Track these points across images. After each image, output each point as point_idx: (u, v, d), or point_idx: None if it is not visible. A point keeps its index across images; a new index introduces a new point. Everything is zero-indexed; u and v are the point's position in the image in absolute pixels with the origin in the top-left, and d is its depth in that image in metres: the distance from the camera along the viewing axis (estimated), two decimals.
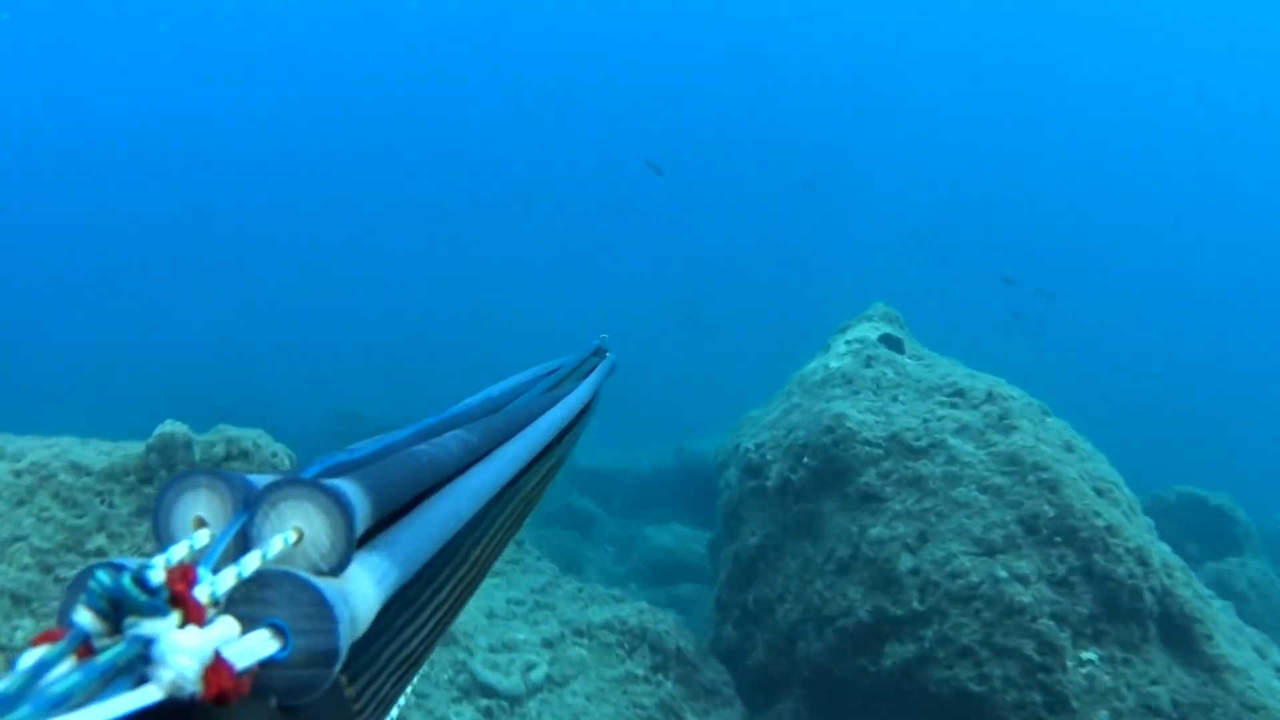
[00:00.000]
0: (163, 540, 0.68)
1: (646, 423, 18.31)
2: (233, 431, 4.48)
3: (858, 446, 6.40)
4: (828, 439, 6.54)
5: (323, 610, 0.61)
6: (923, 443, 6.25)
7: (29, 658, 0.49)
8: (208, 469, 0.71)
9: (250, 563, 0.61)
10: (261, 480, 0.69)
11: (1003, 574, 5.54)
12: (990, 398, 6.45)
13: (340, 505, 0.67)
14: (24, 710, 0.45)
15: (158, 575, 0.54)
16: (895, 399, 6.75)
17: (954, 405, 6.51)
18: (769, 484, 6.98)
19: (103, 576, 0.52)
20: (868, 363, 7.19)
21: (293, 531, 0.66)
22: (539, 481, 1.49)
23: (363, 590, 0.67)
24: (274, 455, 4.52)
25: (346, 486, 0.70)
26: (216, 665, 0.52)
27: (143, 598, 0.52)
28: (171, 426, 4.18)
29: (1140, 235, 41.98)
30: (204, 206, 38.59)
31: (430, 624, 0.92)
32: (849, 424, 6.50)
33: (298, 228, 40.31)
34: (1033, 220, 41.71)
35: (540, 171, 43.13)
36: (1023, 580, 5.52)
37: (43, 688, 0.47)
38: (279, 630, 0.60)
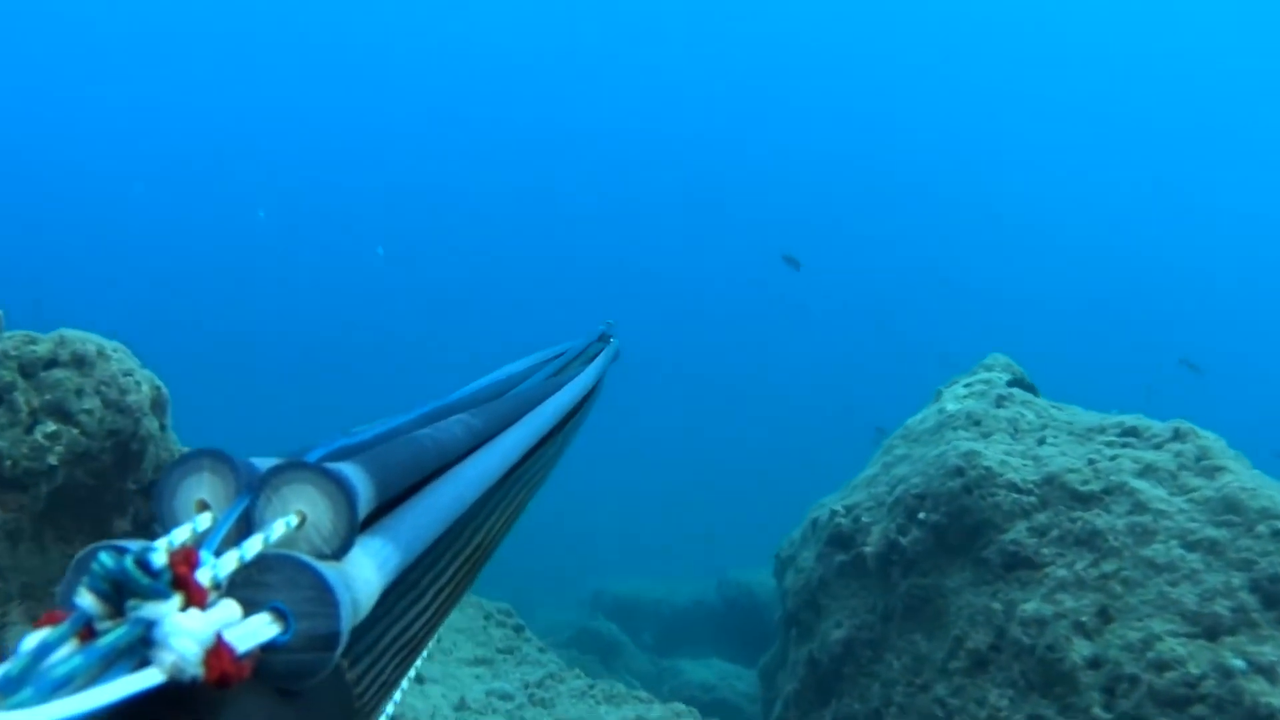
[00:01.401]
0: (165, 523, 0.69)
1: (686, 552, 16.49)
2: (72, 333, 3.11)
3: (1000, 493, 4.78)
4: (956, 484, 4.93)
5: (324, 594, 0.62)
6: (1093, 487, 4.64)
7: (31, 640, 0.50)
8: (212, 451, 0.71)
9: (252, 546, 0.63)
10: (265, 463, 0.71)
11: (1237, 664, 3.85)
12: (1179, 435, 4.87)
13: (343, 489, 0.68)
14: (26, 693, 0.46)
15: (160, 558, 0.54)
16: (1042, 442, 5.17)
17: (1127, 445, 4.91)
18: (867, 551, 5.33)
19: (105, 559, 0.53)
20: (999, 403, 5.64)
21: (295, 515, 0.68)
22: (542, 467, 1.52)
23: (364, 574, 0.68)
24: (126, 374, 3.21)
25: (349, 470, 0.71)
26: (218, 648, 0.53)
27: (145, 580, 0.52)
28: None
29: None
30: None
31: (432, 608, 0.94)
32: (986, 462, 4.90)
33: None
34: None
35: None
36: (1268, 673, 3.85)
37: (45, 670, 0.48)
38: (280, 614, 0.61)
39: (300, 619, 0.61)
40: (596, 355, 2.41)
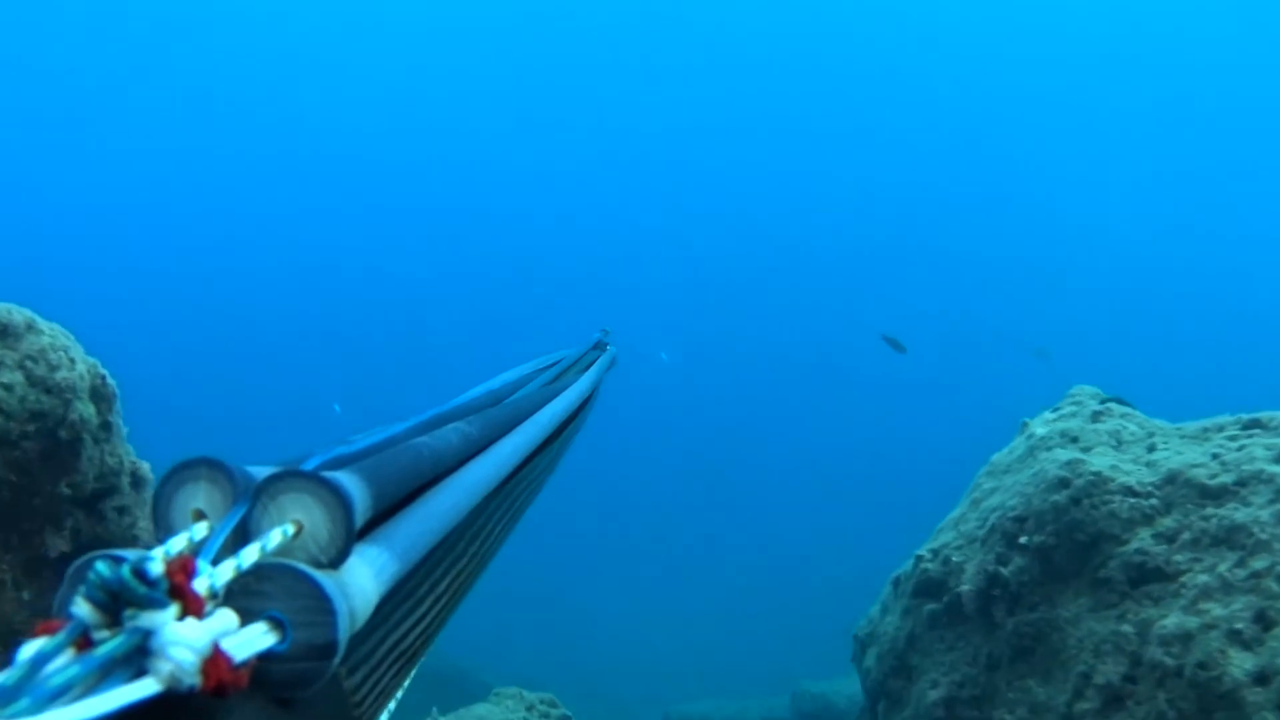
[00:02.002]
0: (162, 531, 0.69)
1: (757, 665, 15.49)
2: None
3: (1114, 499, 4.16)
4: (1060, 496, 4.32)
5: (321, 603, 0.63)
6: (1224, 479, 4.02)
7: (28, 649, 0.50)
8: (209, 459, 0.71)
9: (249, 555, 0.63)
10: (261, 472, 0.71)
11: None
12: None
13: (339, 498, 0.69)
14: (23, 702, 0.46)
15: (157, 567, 0.54)
16: (1152, 449, 4.54)
17: (1253, 436, 4.27)
18: (963, 591, 4.66)
19: (102, 568, 0.53)
20: (1095, 418, 5.05)
21: (292, 524, 0.68)
22: (538, 475, 1.54)
23: (361, 583, 0.69)
24: (59, 350, 2.75)
25: (346, 479, 0.72)
26: (215, 657, 0.53)
27: (142, 589, 0.53)
28: None
29: None
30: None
31: (429, 616, 0.95)
32: (1093, 468, 4.28)
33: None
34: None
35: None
36: None
37: (42, 679, 0.48)
38: (278, 623, 0.62)
39: (297, 628, 0.61)
40: (593, 363, 2.41)
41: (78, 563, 0.60)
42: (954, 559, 4.96)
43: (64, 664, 0.49)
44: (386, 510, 0.79)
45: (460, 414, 1.16)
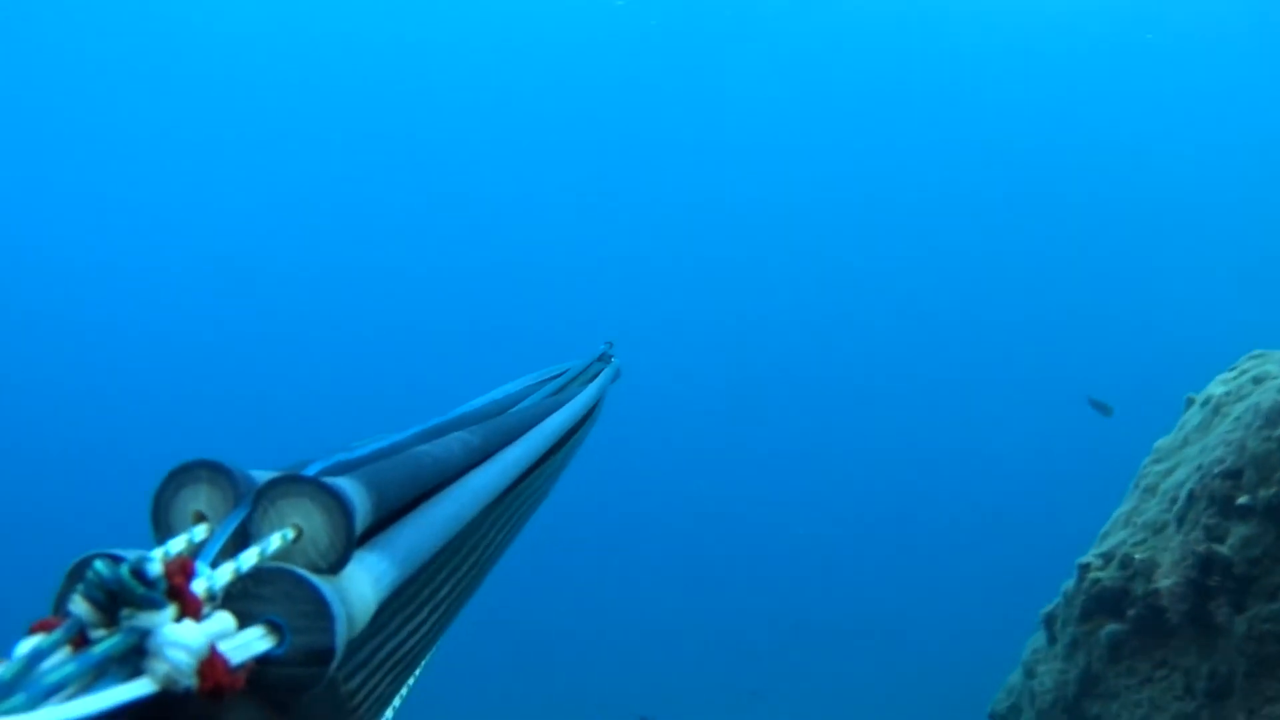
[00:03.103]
0: (161, 533, 0.70)
1: None
2: None
3: None
4: None
5: (320, 608, 0.63)
6: None
7: (24, 645, 0.51)
8: (210, 462, 0.71)
9: (248, 558, 0.63)
10: (263, 476, 0.72)
11: None
12: None
13: (340, 504, 0.69)
14: (18, 698, 0.47)
15: (156, 567, 0.55)
16: None
17: None
18: (1162, 589, 3.44)
19: (100, 567, 0.54)
20: None
21: (292, 528, 0.68)
22: (541, 486, 1.56)
23: (360, 589, 0.69)
24: None
25: (347, 485, 0.72)
26: (212, 659, 0.53)
27: (140, 589, 0.53)
28: None
29: None
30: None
31: (428, 624, 0.97)
32: None
33: None
34: None
35: None
36: None
37: (37, 676, 0.49)
38: (276, 627, 0.62)
39: (295, 633, 0.61)
40: (597, 375, 2.39)
41: (76, 561, 0.60)
42: (1137, 557, 3.72)
43: (60, 661, 0.49)
44: (387, 517, 0.79)
45: (463, 423, 1.15)
